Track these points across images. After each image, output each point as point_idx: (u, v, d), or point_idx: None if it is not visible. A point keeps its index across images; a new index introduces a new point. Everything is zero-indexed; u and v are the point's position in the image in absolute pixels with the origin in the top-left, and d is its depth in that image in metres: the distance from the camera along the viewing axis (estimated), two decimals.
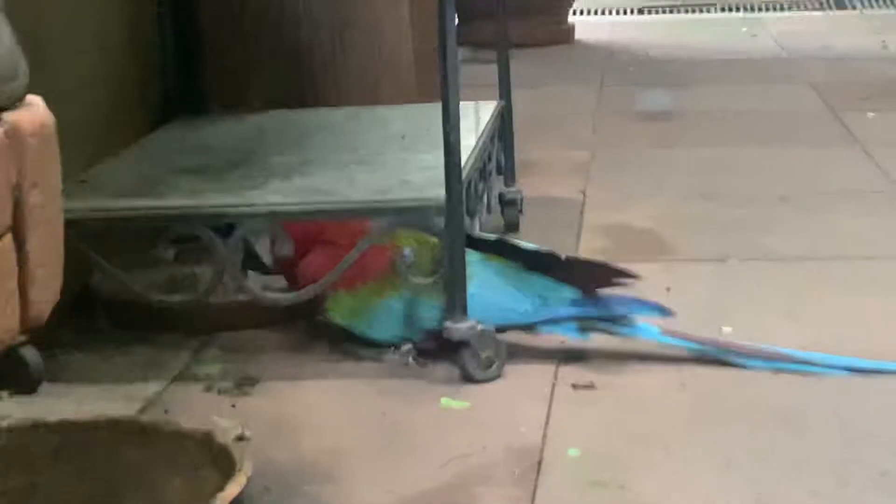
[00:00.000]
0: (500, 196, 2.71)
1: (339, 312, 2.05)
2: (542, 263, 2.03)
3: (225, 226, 2.01)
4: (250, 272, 2.10)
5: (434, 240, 2.01)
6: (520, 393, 1.90)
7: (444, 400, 1.88)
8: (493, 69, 2.78)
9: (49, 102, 1.25)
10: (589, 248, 2.54)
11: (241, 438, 1.74)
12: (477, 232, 2.21)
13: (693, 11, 6.76)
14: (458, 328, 1.93)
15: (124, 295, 2.10)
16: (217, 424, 1.76)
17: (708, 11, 6.75)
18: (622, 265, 2.07)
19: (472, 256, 1.98)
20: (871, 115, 3.80)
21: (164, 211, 2.02)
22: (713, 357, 1.97)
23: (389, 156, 2.29)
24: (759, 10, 6.74)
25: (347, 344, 2.07)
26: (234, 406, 1.89)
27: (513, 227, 2.72)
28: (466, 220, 2.11)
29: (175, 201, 2.05)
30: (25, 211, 1.10)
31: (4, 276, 1.07)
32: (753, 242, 2.61)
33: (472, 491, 1.60)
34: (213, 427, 1.60)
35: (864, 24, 5.87)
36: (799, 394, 1.86)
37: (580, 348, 2.03)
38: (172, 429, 1.60)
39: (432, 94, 1.97)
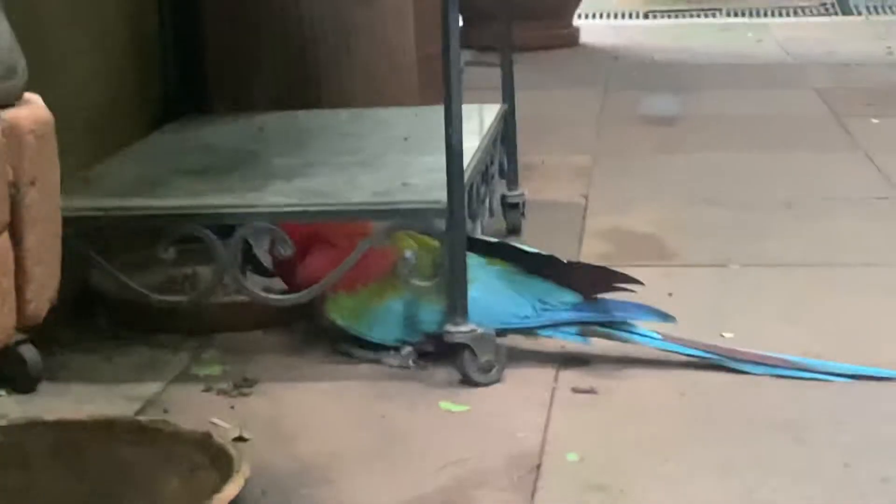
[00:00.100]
0: (503, 199, 2.71)
1: (339, 314, 2.05)
2: (543, 267, 2.03)
3: (225, 227, 2.00)
4: (249, 273, 2.09)
5: (435, 242, 2.00)
6: (519, 397, 1.90)
7: (443, 403, 1.87)
8: (497, 72, 2.78)
9: (49, 102, 1.24)
10: (591, 253, 2.54)
11: (239, 440, 1.75)
12: (478, 235, 2.21)
13: (698, 16, 6.76)
14: (459, 331, 1.93)
15: (124, 295, 2.09)
16: (216, 425, 1.76)
17: (713, 16, 6.75)
18: (623, 270, 2.06)
19: (472, 260, 1.98)
20: (875, 120, 3.80)
21: (164, 211, 2.01)
22: (713, 363, 1.97)
23: (391, 158, 2.29)
24: (765, 15, 6.74)
25: (347, 346, 2.06)
26: (232, 407, 1.88)
27: (515, 230, 2.71)
28: (468, 223, 2.10)
29: (175, 201, 2.04)
30: (23, 208, 1.09)
31: (1, 273, 1.07)
32: (755, 248, 2.60)
33: (470, 495, 1.60)
34: (211, 428, 1.60)
35: (869, 31, 5.87)
36: (799, 400, 1.86)
37: (581, 353, 2.03)
38: (171, 429, 1.60)
39: (436, 96, 1.97)
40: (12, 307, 1.09)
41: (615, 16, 6.78)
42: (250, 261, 2.09)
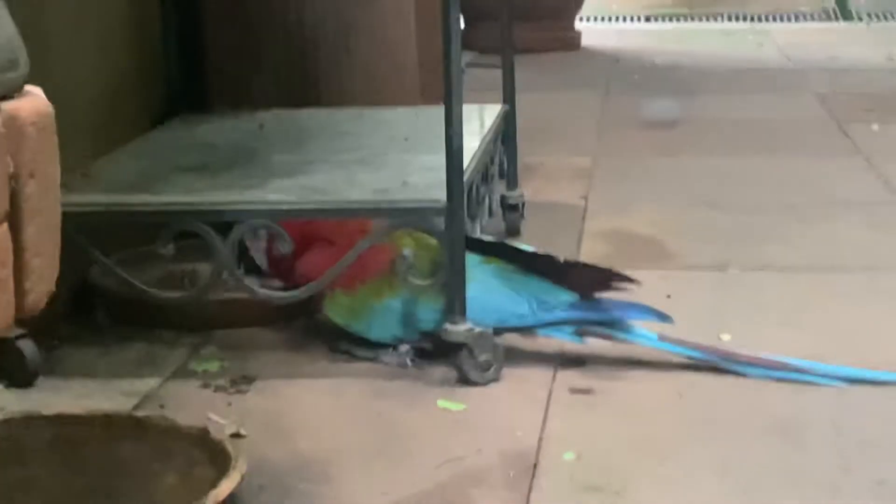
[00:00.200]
0: (503, 200, 2.71)
1: (336, 312, 2.05)
2: (540, 266, 2.03)
3: (225, 224, 2.01)
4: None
5: (433, 241, 2.01)
6: (517, 396, 1.90)
7: (440, 402, 1.88)
8: (499, 74, 2.78)
9: (51, 97, 1.25)
10: (590, 254, 2.54)
11: (236, 436, 1.75)
12: (477, 234, 2.21)
13: (700, 20, 6.76)
14: (457, 330, 1.93)
15: (123, 290, 2.10)
16: (213, 421, 1.76)
17: (715, 20, 6.75)
18: (627, 274, 2.06)
19: (470, 259, 1.98)
20: (875, 126, 3.80)
21: (163, 207, 2.02)
22: (711, 364, 1.97)
23: (391, 157, 2.29)
24: (766, 20, 6.74)
25: (345, 344, 2.06)
26: (230, 404, 1.88)
27: (514, 231, 2.71)
28: (467, 222, 2.11)
29: (175, 198, 2.05)
30: (22, 200, 1.10)
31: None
32: (755, 251, 2.61)
33: (466, 493, 1.60)
34: (208, 424, 1.60)
35: (870, 37, 5.87)
36: (796, 403, 1.86)
37: (579, 353, 2.03)
38: (168, 425, 1.60)
39: (436, 97, 1.97)
40: (10, 298, 1.10)
41: (617, 19, 6.78)
42: (245, 261, 2.09)
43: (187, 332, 2.15)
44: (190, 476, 1.53)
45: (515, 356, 2.01)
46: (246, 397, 1.91)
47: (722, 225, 2.81)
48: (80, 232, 1.97)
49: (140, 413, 1.75)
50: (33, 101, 1.13)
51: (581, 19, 5.89)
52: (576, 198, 3.05)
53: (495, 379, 1.94)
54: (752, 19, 6.75)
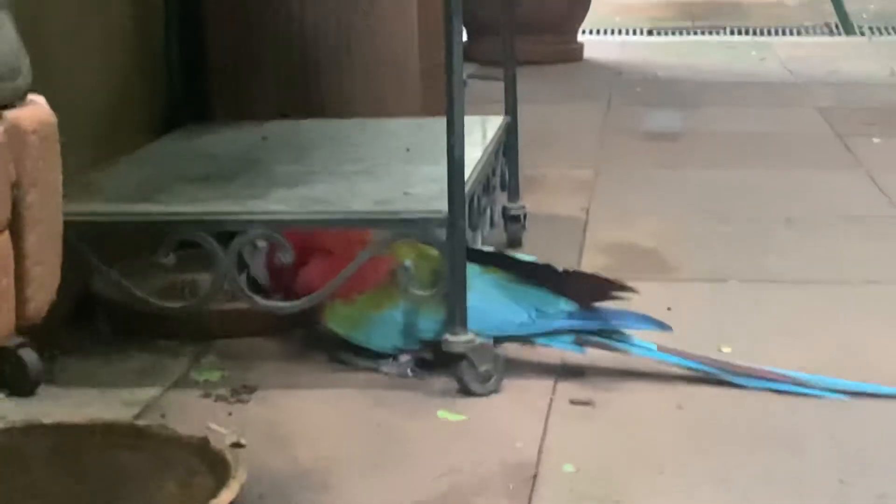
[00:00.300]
0: (504, 211, 2.71)
1: (336, 322, 2.05)
2: (539, 276, 2.03)
3: (227, 235, 2.01)
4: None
5: (432, 251, 2.01)
6: (517, 407, 1.90)
7: (440, 412, 1.88)
8: (501, 86, 2.79)
9: (54, 107, 1.25)
10: (591, 266, 2.54)
11: (236, 445, 1.75)
12: (478, 245, 2.21)
13: (703, 34, 6.77)
14: (458, 341, 1.93)
15: (124, 300, 2.10)
16: (213, 431, 1.76)
17: (717, 34, 6.76)
18: (626, 283, 2.06)
19: (470, 269, 1.98)
20: (876, 140, 3.81)
21: (164, 217, 2.02)
22: (710, 375, 1.97)
23: (393, 167, 2.30)
24: (769, 33, 6.75)
25: (345, 354, 2.06)
26: (230, 413, 1.89)
27: (516, 242, 2.72)
28: (469, 233, 2.11)
29: (177, 207, 2.05)
30: (24, 208, 1.10)
31: (1, 273, 1.07)
32: (755, 264, 2.61)
33: (466, 503, 1.60)
34: (208, 433, 1.61)
35: (872, 51, 5.88)
36: (796, 415, 1.86)
37: (579, 364, 2.03)
38: (168, 434, 1.60)
39: (438, 108, 1.98)
40: (11, 306, 1.10)
41: (619, 32, 6.79)
42: (247, 278, 2.09)
43: (188, 342, 2.15)
44: (190, 485, 1.53)
45: (516, 367, 2.01)
46: (246, 407, 1.91)
47: (723, 237, 2.81)
48: (81, 241, 1.98)
49: (140, 422, 1.75)
50: (35, 109, 1.14)
51: (583, 32, 5.90)
52: (577, 209, 3.06)
53: (496, 390, 1.94)
54: (755, 33, 6.76)
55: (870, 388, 1.92)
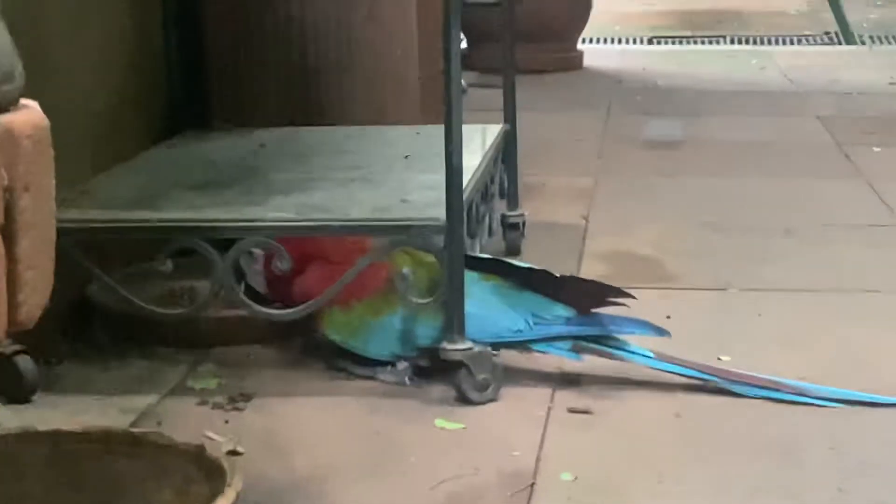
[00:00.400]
0: (503, 219, 2.71)
1: (333, 329, 2.05)
2: (536, 282, 2.03)
3: (225, 242, 2.01)
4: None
5: (429, 258, 2.01)
6: (515, 416, 1.89)
7: (438, 420, 1.87)
8: (501, 94, 2.79)
9: (52, 114, 1.25)
10: (590, 274, 2.53)
11: (233, 453, 1.74)
12: (476, 253, 2.21)
13: (703, 43, 6.77)
14: (456, 349, 1.93)
15: (122, 307, 2.09)
16: (210, 439, 1.76)
17: (718, 43, 6.76)
18: (623, 289, 2.06)
19: (467, 275, 1.97)
20: (876, 149, 3.80)
21: (162, 223, 2.02)
22: (708, 383, 1.96)
23: (391, 175, 2.29)
24: (769, 43, 6.76)
25: (343, 361, 2.06)
26: (227, 421, 1.88)
27: (515, 250, 2.71)
28: (467, 240, 2.11)
29: (174, 214, 2.04)
30: (17, 213, 1.10)
31: None
32: (755, 272, 2.60)
33: None
34: (205, 441, 1.60)
35: (872, 60, 5.88)
36: (794, 423, 1.85)
37: (577, 373, 2.03)
38: (164, 442, 1.60)
39: (437, 116, 1.98)
40: (3, 311, 1.10)
41: (619, 41, 6.79)
42: (245, 288, 2.09)
43: (185, 350, 2.14)
44: (186, 493, 1.52)
45: (514, 376, 2.00)
46: (243, 415, 1.91)
47: (722, 246, 2.81)
48: (78, 248, 1.97)
49: (137, 430, 1.74)
50: (29, 114, 1.13)
51: (583, 41, 5.90)
52: (577, 218, 3.05)
53: (493, 398, 1.94)
54: (755, 42, 6.76)
55: (868, 398, 1.92)
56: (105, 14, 2.46)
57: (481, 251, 2.30)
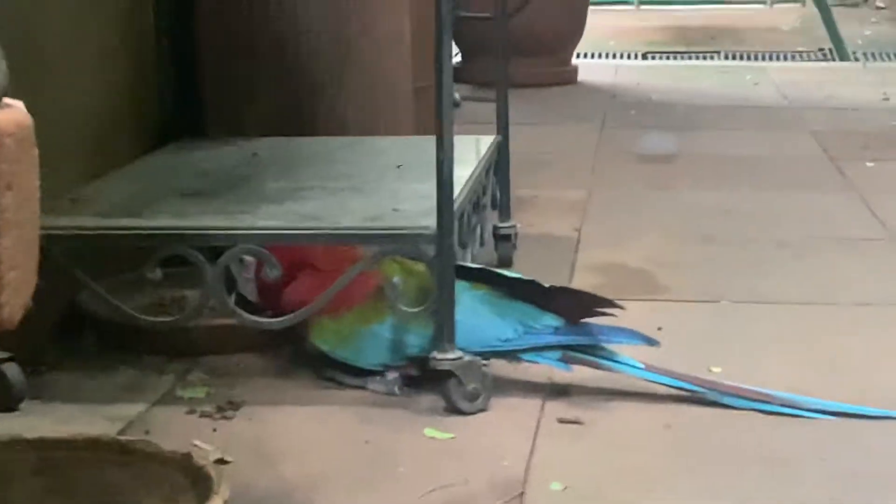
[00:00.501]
0: (495, 230, 2.70)
1: (323, 339, 2.04)
2: (525, 292, 2.02)
3: (216, 250, 2.00)
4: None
5: (419, 268, 2.00)
6: (505, 426, 1.89)
7: (428, 430, 1.86)
8: (495, 107, 2.78)
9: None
10: (582, 286, 2.51)
11: (220, 462, 1.73)
12: (466, 262, 2.20)
13: (697, 58, 6.78)
14: (445, 358, 1.92)
15: (111, 315, 2.09)
16: (197, 447, 1.75)
17: (712, 59, 6.77)
18: (612, 300, 2.05)
19: (457, 285, 1.97)
20: (869, 164, 3.81)
21: (152, 231, 2.01)
22: (697, 395, 1.96)
23: (383, 184, 2.29)
24: (763, 58, 6.77)
25: (332, 371, 2.05)
26: (215, 430, 1.87)
27: (507, 261, 2.71)
28: (458, 250, 2.10)
29: (164, 222, 2.04)
30: None
31: None
32: (747, 285, 2.60)
33: None
34: (192, 450, 1.59)
35: (866, 77, 5.89)
36: (786, 435, 1.85)
37: (567, 383, 2.02)
38: (152, 450, 1.59)
39: (431, 128, 1.97)
40: None
41: (614, 55, 6.80)
42: (236, 296, 2.08)
43: (175, 358, 2.14)
44: (174, 501, 1.52)
45: (504, 386, 2.00)
46: (232, 423, 1.90)
47: (715, 259, 2.81)
48: (68, 256, 1.97)
49: (123, 438, 1.73)
50: (12, 113, 1.13)
51: (578, 55, 5.91)
52: (569, 230, 3.05)
53: (483, 408, 1.93)
54: (750, 58, 6.77)
55: (859, 410, 1.91)
56: (100, 24, 2.46)
57: (472, 262, 2.29)
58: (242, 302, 2.07)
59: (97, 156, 2.42)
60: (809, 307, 2.46)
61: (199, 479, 1.51)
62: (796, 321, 2.38)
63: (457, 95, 4.81)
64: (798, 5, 9.11)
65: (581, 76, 5.64)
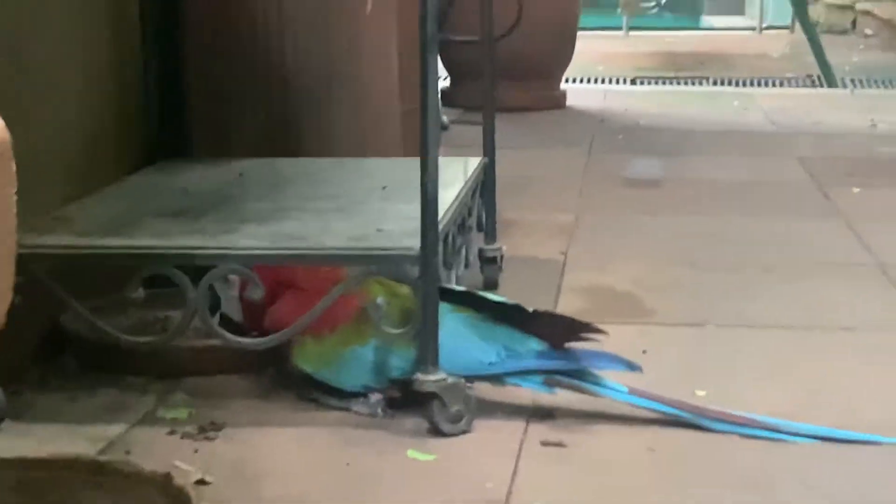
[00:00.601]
0: (481, 253, 2.70)
1: (305, 360, 2.03)
2: (509, 316, 2.02)
3: (200, 270, 1.99)
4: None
5: (402, 289, 2.00)
6: (488, 448, 1.88)
7: (410, 452, 1.85)
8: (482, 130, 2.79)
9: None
10: (567, 309, 2.52)
11: (201, 482, 1.72)
12: (450, 284, 2.20)
13: (686, 83, 6.80)
14: (429, 380, 1.91)
15: (93, 335, 2.08)
16: (177, 468, 1.74)
17: (700, 84, 6.80)
18: (598, 326, 2.05)
19: (440, 307, 1.96)
20: (856, 190, 3.81)
21: (134, 250, 2.00)
22: (680, 419, 1.95)
23: (368, 205, 2.28)
24: (752, 84, 6.79)
25: (315, 392, 2.04)
26: (196, 451, 1.86)
27: (492, 284, 2.70)
28: (443, 271, 2.09)
29: (147, 241, 2.03)
30: None
31: None
32: (733, 309, 2.60)
33: None
34: (172, 470, 1.58)
35: (854, 103, 5.91)
36: (767, 459, 1.84)
37: (551, 406, 2.01)
38: (131, 470, 1.59)
39: (418, 150, 1.97)
40: None
41: (602, 80, 6.82)
42: (221, 317, 2.07)
43: (157, 379, 2.12)
44: None
45: (487, 408, 1.99)
46: (213, 444, 1.89)
47: (701, 283, 2.80)
48: (50, 275, 1.96)
49: (103, 458, 1.72)
50: None
51: (566, 80, 5.92)
52: (555, 253, 3.05)
53: (467, 430, 1.92)
54: (738, 83, 6.80)
55: (843, 435, 1.91)
56: (86, 44, 2.46)
57: (457, 283, 2.29)
58: (226, 322, 2.06)
59: (82, 175, 2.41)
60: (795, 332, 2.46)
61: (178, 500, 1.50)
62: (781, 345, 2.37)
63: (445, 119, 4.82)
64: (787, 31, 9.16)
65: (570, 101, 5.65)
